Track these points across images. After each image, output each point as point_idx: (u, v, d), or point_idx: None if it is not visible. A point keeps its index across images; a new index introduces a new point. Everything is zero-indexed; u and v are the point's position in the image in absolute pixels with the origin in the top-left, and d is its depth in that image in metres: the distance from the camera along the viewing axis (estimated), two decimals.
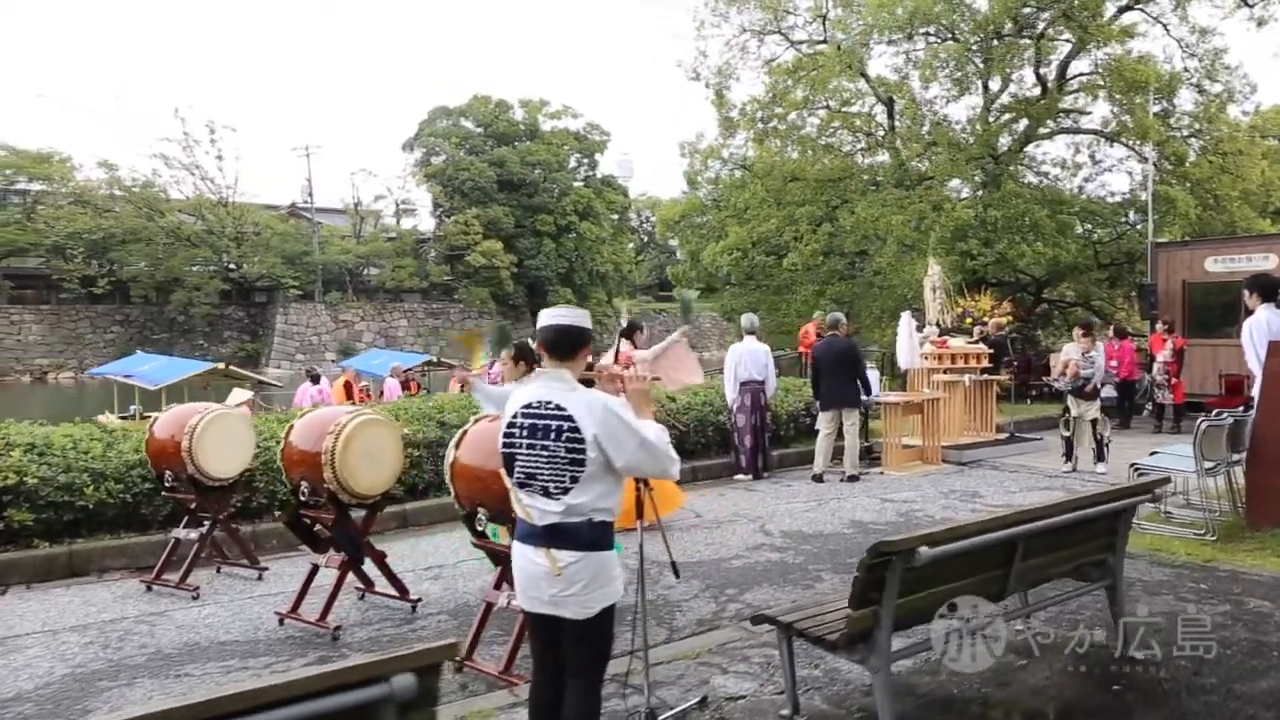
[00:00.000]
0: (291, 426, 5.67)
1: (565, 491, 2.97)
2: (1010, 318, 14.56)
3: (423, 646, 2.15)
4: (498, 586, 4.97)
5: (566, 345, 3.14)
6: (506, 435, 3.11)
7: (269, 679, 4.38)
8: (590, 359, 3.29)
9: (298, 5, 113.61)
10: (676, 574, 3.98)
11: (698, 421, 10.55)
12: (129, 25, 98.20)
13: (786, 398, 11.58)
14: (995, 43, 17.54)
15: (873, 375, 10.88)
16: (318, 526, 5.44)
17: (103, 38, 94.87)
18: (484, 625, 4.87)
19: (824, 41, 19.33)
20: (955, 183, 18.73)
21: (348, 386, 16.71)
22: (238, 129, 64.71)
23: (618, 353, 8.01)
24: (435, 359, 23.76)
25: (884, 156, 19.79)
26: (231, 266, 49.41)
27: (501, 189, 54.40)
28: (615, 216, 60.64)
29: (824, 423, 10.23)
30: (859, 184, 19.03)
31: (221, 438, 6.37)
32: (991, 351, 12.18)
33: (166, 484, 6.54)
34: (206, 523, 6.54)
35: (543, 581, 3.02)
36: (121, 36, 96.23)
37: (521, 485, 3.06)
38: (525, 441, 3.04)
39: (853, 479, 9.93)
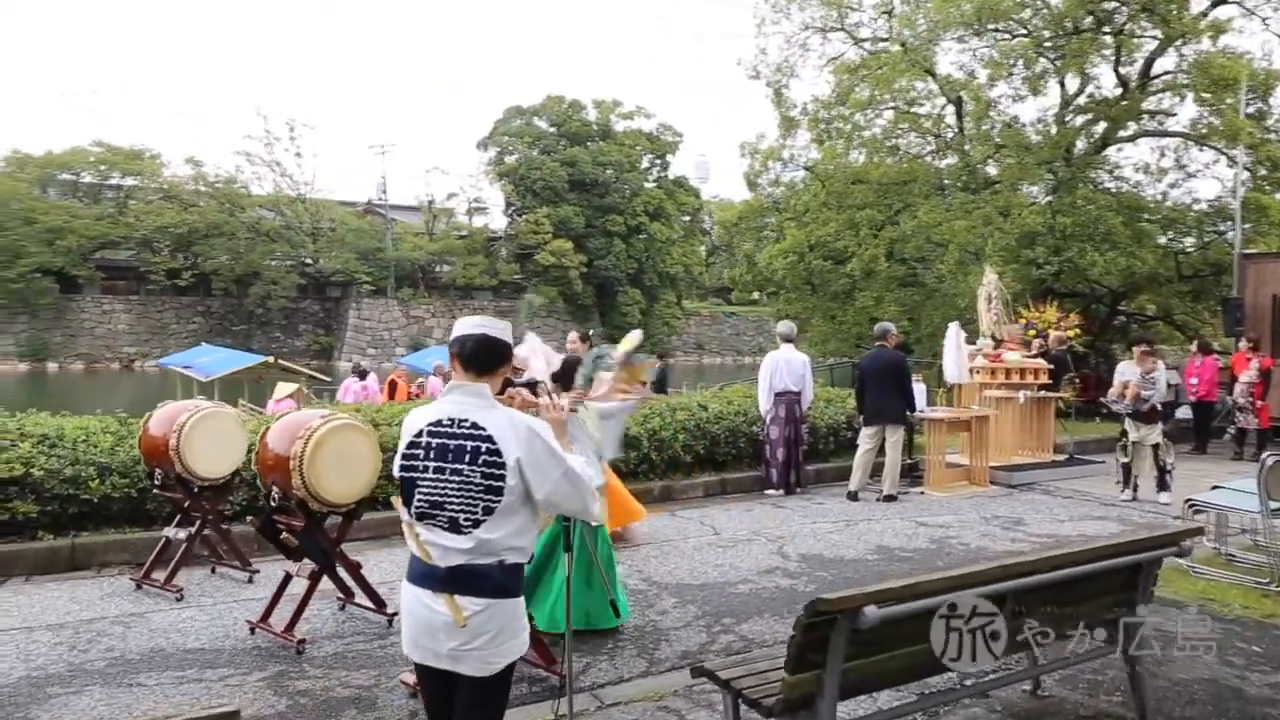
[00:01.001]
0: (268, 429, 5.46)
1: (477, 524, 2.60)
2: (1078, 330, 13.68)
3: (201, 713, 1.82)
4: None
5: (485, 359, 2.77)
6: (407, 458, 2.73)
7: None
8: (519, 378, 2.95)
9: (376, 8, 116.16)
10: (616, 612, 3.56)
11: (729, 432, 10.11)
12: (214, 23, 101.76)
13: (827, 409, 11.04)
14: (1072, 39, 16.52)
15: (918, 389, 10.28)
16: (284, 534, 5.21)
17: (190, 36, 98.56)
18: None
19: (889, 39, 18.60)
20: (1024, 187, 17.77)
21: (393, 384, 16.72)
22: (317, 127, 66.25)
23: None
24: None
25: (953, 159, 18.92)
26: (308, 261, 50.57)
27: (573, 188, 54.50)
28: (686, 218, 60.23)
29: (865, 438, 9.70)
30: (924, 187, 18.22)
31: (210, 437, 6.20)
32: (1052, 367, 11.42)
33: (156, 482, 6.42)
34: (197, 522, 6.39)
35: (441, 633, 2.63)
36: (207, 35, 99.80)
37: (422, 517, 2.69)
38: (432, 465, 2.67)
39: (890, 499, 9.37)
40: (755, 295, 59.52)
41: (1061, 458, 11.25)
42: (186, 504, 6.40)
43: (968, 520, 8.57)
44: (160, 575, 6.27)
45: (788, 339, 9.92)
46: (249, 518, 6.81)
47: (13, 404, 9.06)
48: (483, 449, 2.61)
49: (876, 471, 9.76)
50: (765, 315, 49.73)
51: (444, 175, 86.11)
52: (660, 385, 17.38)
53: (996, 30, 17.15)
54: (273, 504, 5.32)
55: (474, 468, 2.60)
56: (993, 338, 11.12)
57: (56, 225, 43.38)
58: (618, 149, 56.28)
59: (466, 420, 2.65)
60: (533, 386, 3.03)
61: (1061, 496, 9.77)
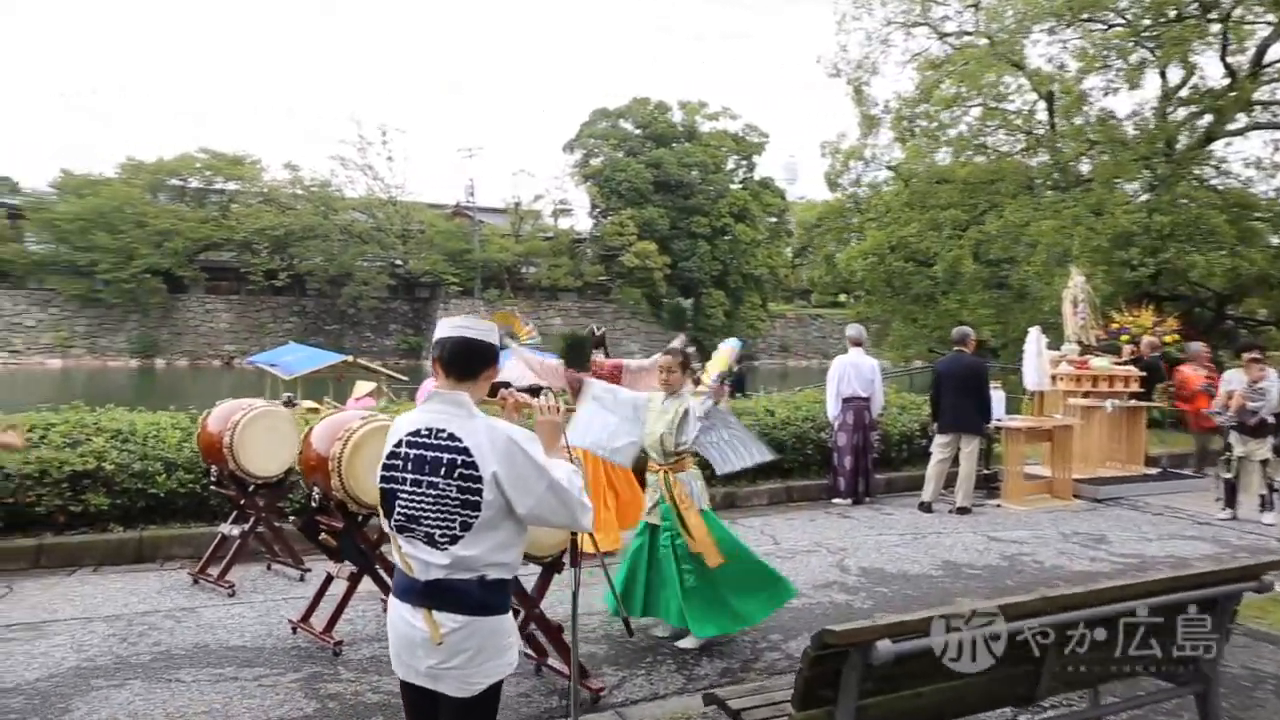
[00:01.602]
0: (311, 429, 5.46)
1: (453, 540, 2.46)
2: (1176, 336, 12.86)
3: None
4: None
5: (467, 362, 2.62)
6: (386, 468, 2.60)
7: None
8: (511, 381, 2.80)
9: (467, 14, 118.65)
10: (629, 630, 3.37)
11: (796, 438, 9.80)
12: (307, 26, 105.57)
13: (900, 416, 10.63)
14: (1174, 26, 15.55)
15: (996, 396, 9.78)
16: (323, 535, 5.20)
17: (285, 39, 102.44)
18: None
19: (975, 32, 17.89)
20: (1120, 185, 16.83)
21: None
22: (408, 131, 67.98)
23: (591, 363, 7.45)
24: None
25: (1044, 156, 18.08)
26: (398, 262, 51.84)
27: (658, 190, 54.46)
28: (772, 219, 59.49)
29: (939, 447, 9.28)
30: (1011, 186, 17.46)
31: (263, 435, 6.27)
32: (1144, 374, 10.73)
33: (213, 479, 6.53)
34: (251, 520, 6.47)
35: (419, 649, 2.51)
36: (302, 38, 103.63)
37: (401, 530, 2.57)
38: (409, 477, 2.54)
39: (963, 511, 8.94)
40: (841, 297, 58.61)
41: (1154, 471, 10.57)
42: (241, 501, 6.49)
43: (1045, 536, 8.09)
44: (215, 570, 6.38)
45: (857, 343, 9.57)
46: (291, 517, 6.86)
47: (120, 398, 9.40)
48: (459, 462, 2.46)
49: (951, 482, 9.33)
50: (851, 317, 48.74)
51: (530, 178, 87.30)
52: (739, 388, 17.09)
53: (1089, 20, 16.29)
54: (314, 504, 5.32)
55: (449, 481, 2.46)
56: (1079, 343, 10.52)
57: (165, 228, 45.55)
58: (703, 150, 55.99)
59: (444, 431, 2.52)
60: (536, 392, 2.87)
61: (1151, 513, 9.16)
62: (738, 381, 17.75)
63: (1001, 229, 16.56)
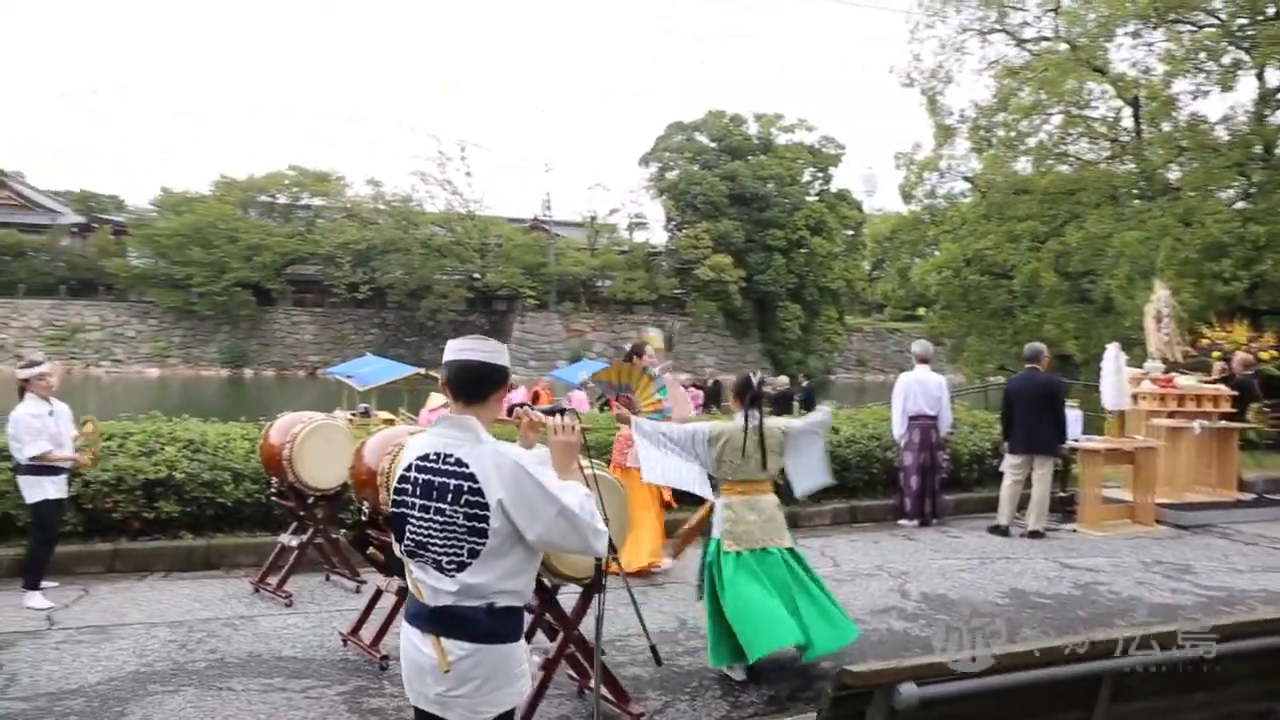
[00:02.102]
0: (364, 443, 5.52)
1: (461, 567, 2.42)
2: (1275, 352, 12.15)
3: None
4: (527, 637, 4.53)
5: (475, 386, 2.57)
6: (397, 493, 2.58)
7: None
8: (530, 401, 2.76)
9: (543, 34, 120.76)
10: (658, 660, 3.27)
11: (861, 456, 9.57)
12: (389, 44, 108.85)
13: (971, 435, 10.29)
14: (1273, 25, 14.74)
15: (1073, 415, 9.39)
16: (371, 549, 5.24)
17: (360, 58, 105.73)
18: (542, 691, 4.30)
19: (1054, 38, 17.31)
20: (1212, 193, 16.02)
21: (536, 396, 17.00)
22: (486, 147, 69.39)
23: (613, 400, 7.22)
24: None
25: (1129, 164, 17.37)
26: (476, 276, 52.82)
27: (733, 203, 54.33)
28: (849, 232, 58.71)
29: (1011, 468, 8.95)
30: (1094, 196, 16.80)
31: (321, 448, 6.39)
32: (1236, 394, 10.15)
33: (273, 490, 6.67)
34: (309, 531, 6.59)
35: (428, 676, 2.48)
36: (385, 57, 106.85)
37: (411, 555, 2.55)
38: (418, 502, 2.51)
39: (1035, 535, 8.58)
40: (920, 311, 57.44)
41: (1248, 497, 9.98)
42: (300, 513, 6.61)
43: (1124, 564, 7.69)
44: (275, 580, 6.51)
45: (923, 359, 9.30)
46: (342, 530, 6.95)
47: (207, 407, 9.73)
48: (465, 488, 2.43)
49: (1024, 505, 8.97)
50: (926, 332, 47.72)
51: (606, 191, 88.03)
52: (806, 405, 16.86)
53: (1177, 21, 15.59)
54: (364, 518, 5.36)
55: (456, 508, 2.43)
56: (1163, 360, 10.01)
57: (255, 243, 47.38)
58: (778, 162, 55.66)
59: (451, 456, 2.48)
60: (555, 412, 2.82)
61: (1243, 542, 8.64)
62: (806, 396, 17.49)
63: (1083, 240, 15.94)
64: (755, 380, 5.28)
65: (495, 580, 2.43)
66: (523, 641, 2.56)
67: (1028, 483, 8.90)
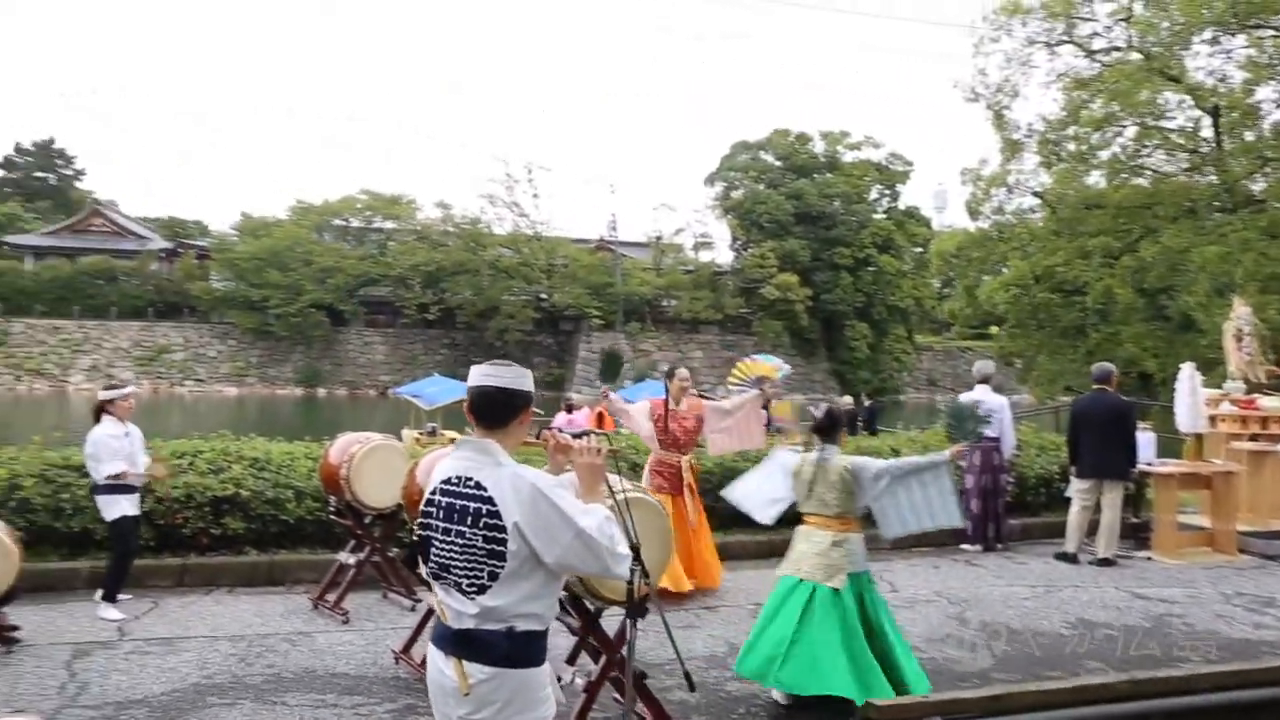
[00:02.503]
0: (416, 463, 5.61)
1: (481, 590, 2.46)
2: None
3: None
4: (571, 659, 4.55)
5: (495, 411, 2.62)
6: (423, 515, 2.65)
7: None
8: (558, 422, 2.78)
9: (609, 56, 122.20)
10: (691, 686, 3.24)
11: None
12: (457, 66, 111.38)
13: (1039, 458, 9.99)
14: None
15: (1146, 438, 9.04)
16: (421, 568, 5.30)
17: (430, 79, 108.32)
18: (584, 714, 4.23)
19: (1125, 47, 16.80)
20: None
21: (600, 417, 17.04)
22: (552, 168, 70.45)
23: (666, 403, 7.15)
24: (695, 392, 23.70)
25: (1210, 176, 16.74)
26: (543, 296, 53.47)
27: (799, 221, 54.06)
28: (918, 249, 57.84)
29: (1079, 493, 8.65)
30: (1170, 209, 16.23)
31: (377, 468, 6.51)
32: None
33: (331, 509, 6.81)
34: (366, 549, 6.71)
35: (451, 698, 2.52)
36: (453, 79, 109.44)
37: (436, 577, 2.61)
38: (441, 525, 2.57)
39: (1105, 563, 8.27)
40: (993, 330, 56.07)
41: None
42: (358, 531, 6.74)
43: (1201, 596, 7.35)
44: (333, 597, 6.63)
45: (984, 379, 9.07)
46: (394, 549, 7.04)
47: (281, 426, 10.03)
48: (484, 511, 2.47)
49: (1094, 531, 8.65)
50: (995, 351, 46.63)
51: (671, 211, 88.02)
52: (869, 426, 16.60)
53: (1258, 27, 15.00)
54: (416, 538, 5.44)
55: (476, 531, 2.47)
56: (1244, 380, 9.58)
57: (329, 265, 48.80)
58: (845, 180, 55.26)
59: (471, 479, 2.52)
60: (585, 436, 2.84)
61: None
62: (869, 417, 17.19)
63: (1159, 255, 15.38)
64: (819, 412, 5.19)
65: (515, 603, 2.45)
66: (546, 666, 2.57)
67: (1097, 508, 8.58)
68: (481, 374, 2.65)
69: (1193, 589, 7.56)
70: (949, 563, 8.44)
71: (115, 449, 6.47)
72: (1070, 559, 8.45)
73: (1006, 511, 9.08)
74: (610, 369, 49.32)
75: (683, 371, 7.37)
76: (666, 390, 7.37)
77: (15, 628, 5.87)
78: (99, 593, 6.53)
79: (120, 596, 6.63)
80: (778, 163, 56.96)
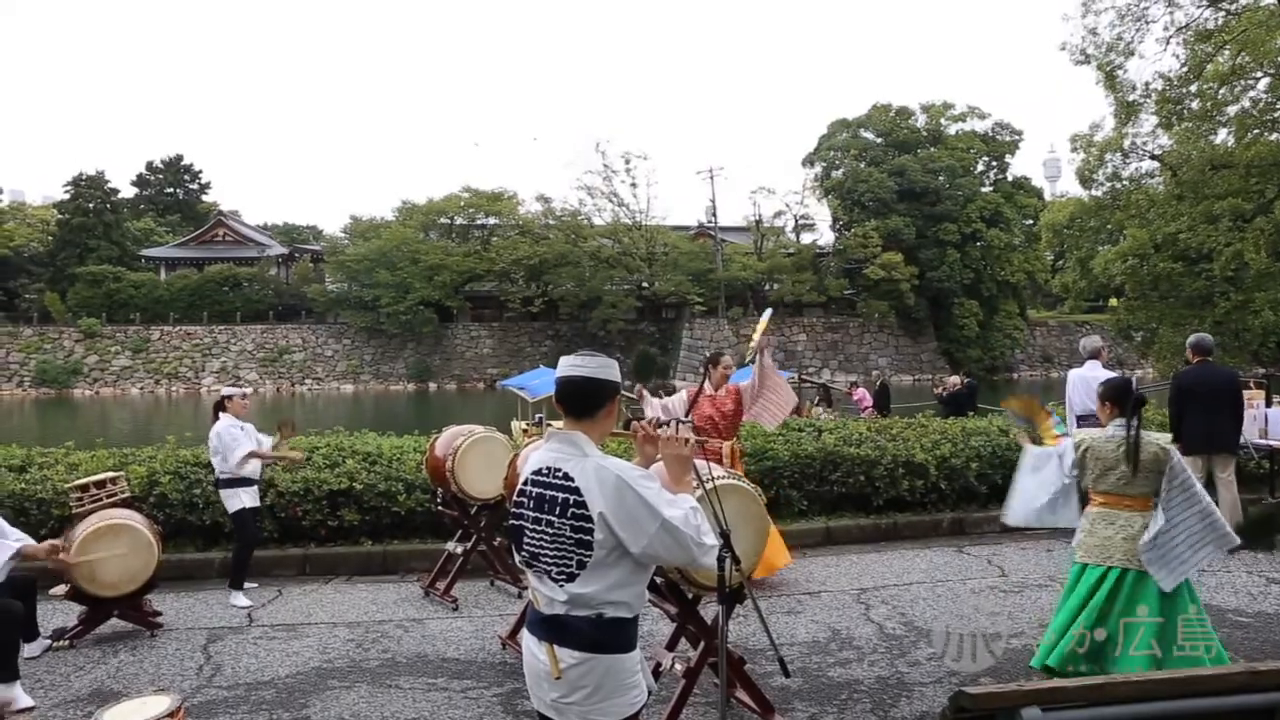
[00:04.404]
0: (517, 454, 5.75)
1: (570, 578, 2.51)
2: None
3: None
4: (670, 645, 4.59)
5: (582, 402, 2.66)
6: (515, 505, 2.72)
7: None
8: (639, 413, 2.81)
9: (706, 39, 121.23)
10: (786, 673, 3.22)
11: None
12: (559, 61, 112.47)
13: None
14: None
15: (1277, 413, 8.47)
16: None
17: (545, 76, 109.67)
18: (684, 699, 4.29)
19: None
20: None
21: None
22: (649, 157, 70.38)
23: (700, 390, 6.83)
24: (797, 374, 23.40)
25: None
26: (644, 285, 53.68)
27: (901, 199, 52.65)
28: (1029, 222, 55.52)
29: (1191, 470, 8.17)
30: None
31: (481, 460, 6.71)
32: None
33: (438, 500, 7.05)
34: (472, 539, 6.92)
35: (544, 681, 2.59)
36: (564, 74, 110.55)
37: (528, 565, 2.67)
38: (531, 514, 2.64)
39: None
40: (1113, 302, 53.34)
41: None
42: (464, 521, 6.96)
43: None
44: (443, 585, 6.87)
45: (1093, 355, 8.63)
46: (498, 539, 7.21)
47: (396, 421, 10.48)
48: (571, 501, 2.52)
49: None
50: (1110, 324, 44.32)
51: (770, 195, 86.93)
52: (960, 408, 15.93)
53: None
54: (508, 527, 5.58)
55: (564, 520, 2.52)
56: None
57: (435, 263, 50.19)
58: (949, 154, 53.50)
59: (559, 470, 2.58)
60: (671, 424, 2.86)
61: None
62: (966, 398, 16.46)
63: None
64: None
65: (603, 591, 2.50)
66: (636, 652, 2.61)
67: (1209, 486, 8.11)
68: (568, 364, 2.71)
69: None
70: (1062, 546, 8.07)
71: (238, 436, 6.89)
72: None
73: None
74: (644, 368, 48.95)
75: (726, 359, 7.19)
76: (707, 375, 7.17)
77: (158, 614, 6.32)
78: (228, 581, 6.96)
79: (248, 585, 7.04)
80: (878, 140, 55.56)
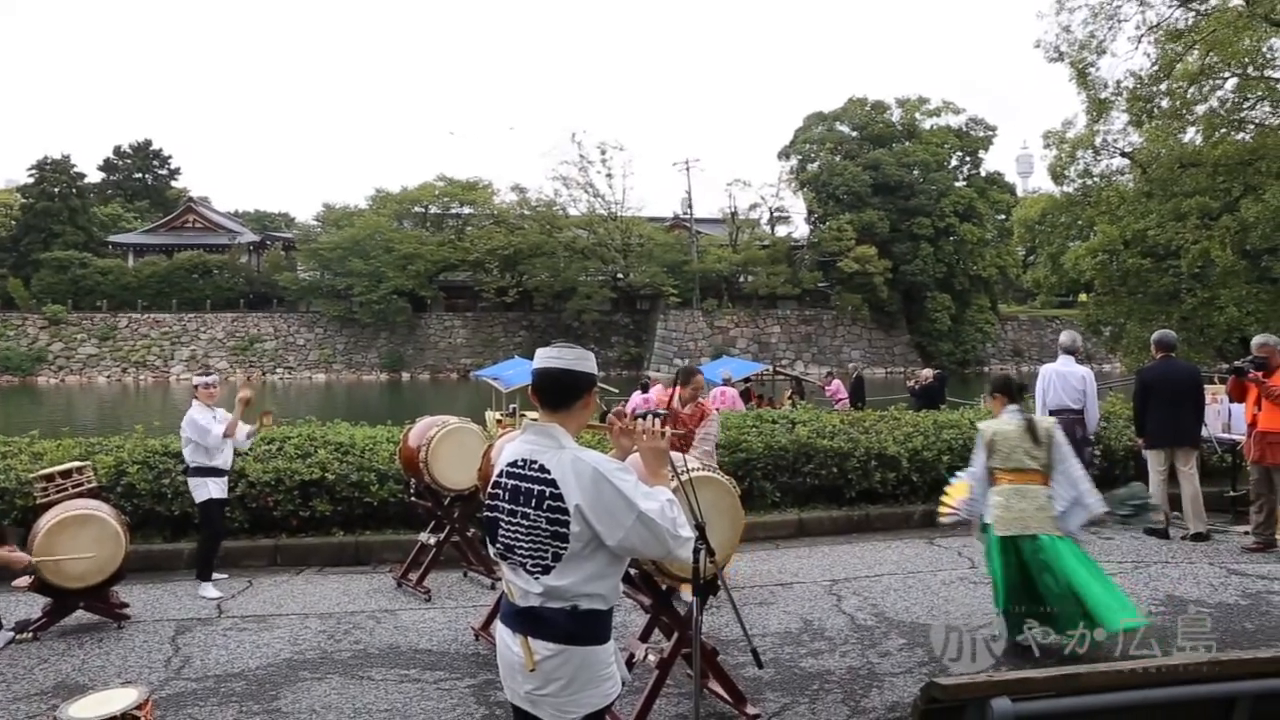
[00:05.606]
0: (490, 445, 5.72)
1: (545, 570, 2.51)
2: None
3: None
4: (644, 636, 4.60)
5: (559, 394, 2.65)
6: (490, 497, 2.70)
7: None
8: (620, 407, 2.80)
9: (683, 31, 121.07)
10: (759, 663, 3.24)
11: None
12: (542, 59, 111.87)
13: (1126, 429, 9.67)
14: None
15: (1241, 408, 8.62)
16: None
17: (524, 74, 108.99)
18: (657, 690, 4.27)
19: None
20: None
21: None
22: (625, 148, 70.23)
23: (672, 397, 6.84)
24: (771, 366, 23.53)
25: None
26: (619, 276, 53.64)
27: (876, 192, 52.96)
28: (1001, 217, 56.07)
29: (1155, 463, 8.36)
30: (1275, 165, 15.31)
31: (454, 451, 6.68)
32: None
33: (411, 491, 7.01)
34: (445, 530, 6.89)
35: (518, 674, 2.59)
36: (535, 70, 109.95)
37: (502, 557, 2.66)
38: (506, 506, 2.62)
39: (1198, 538, 7.95)
40: (1083, 297, 54.02)
41: None
42: (437, 512, 6.93)
43: None
44: (415, 576, 6.85)
45: (1068, 350, 8.76)
46: (472, 530, 7.19)
47: (368, 411, 10.39)
48: (546, 494, 2.51)
49: (1176, 505, 8.32)
50: (1081, 319, 44.97)
51: (745, 187, 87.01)
52: (932, 401, 16.10)
53: None
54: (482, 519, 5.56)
55: (539, 513, 2.51)
56: None
57: (409, 252, 49.79)
58: (923, 148, 53.85)
59: (535, 462, 2.57)
60: (648, 417, 2.86)
61: None
62: (938, 391, 16.65)
63: (1263, 214, 14.55)
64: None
65: (579, 584, 2.49)
66: (610, 644, 2.61)
67: (1171, 479, 8.28)
68: (545, 356, 2.69)
69: None
70: None
71: (210, 423, 6.83)
72: (1160, 534, 8.17)
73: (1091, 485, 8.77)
74: None
75: (698, 379, 7.18)
76: (677, 389, 7.13)
77: (125, 605, 6.23)
78: (195, 573, 6.89)
79: (218, 576, 6.97)
80: (854, 133, 55.81)
